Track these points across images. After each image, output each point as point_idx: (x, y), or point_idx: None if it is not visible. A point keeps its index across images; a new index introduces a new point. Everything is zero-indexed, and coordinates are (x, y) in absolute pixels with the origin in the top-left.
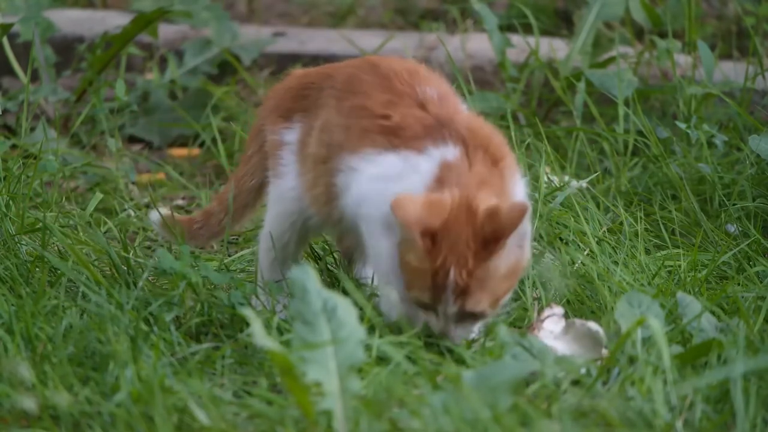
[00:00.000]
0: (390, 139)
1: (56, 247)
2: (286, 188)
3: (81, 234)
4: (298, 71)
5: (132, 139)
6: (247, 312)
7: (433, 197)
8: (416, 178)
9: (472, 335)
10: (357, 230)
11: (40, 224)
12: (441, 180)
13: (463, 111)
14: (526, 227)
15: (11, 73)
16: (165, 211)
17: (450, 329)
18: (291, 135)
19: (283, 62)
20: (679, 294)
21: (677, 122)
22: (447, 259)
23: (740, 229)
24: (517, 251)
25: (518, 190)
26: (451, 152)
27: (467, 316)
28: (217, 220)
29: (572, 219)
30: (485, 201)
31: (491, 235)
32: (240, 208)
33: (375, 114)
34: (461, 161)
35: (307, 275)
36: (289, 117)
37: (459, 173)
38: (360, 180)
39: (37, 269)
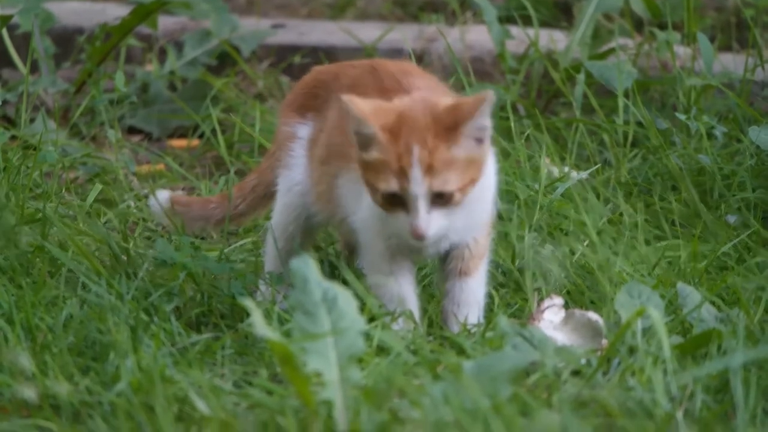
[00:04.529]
0: None
1: (56, 238)
2: (293, 182)
3: (81, 225)
4: (318, 67)
5: (131, 130)
6: (247, 302)
7: (380, 102)
8: None
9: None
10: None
11: (40, 215)
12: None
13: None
14: (484, 122)
15: (11, 64)
16: (166, 195)
17: (422, 218)
18: (303, 130)
19: (282, 54)
20: (679, 284)
21: (677, 113)
22: (409, 140)
23: (740, 219)
24: (474, 144)
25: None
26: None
27: (437, 200)
28: (234, 205)
29: (572, 210)
30: (443, 101)
31: (451, 123)
32: (258, 198)
33: None
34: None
35: (307, 265)
36: (304, 113)
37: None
38: (363, 203)
39: (38, 260)
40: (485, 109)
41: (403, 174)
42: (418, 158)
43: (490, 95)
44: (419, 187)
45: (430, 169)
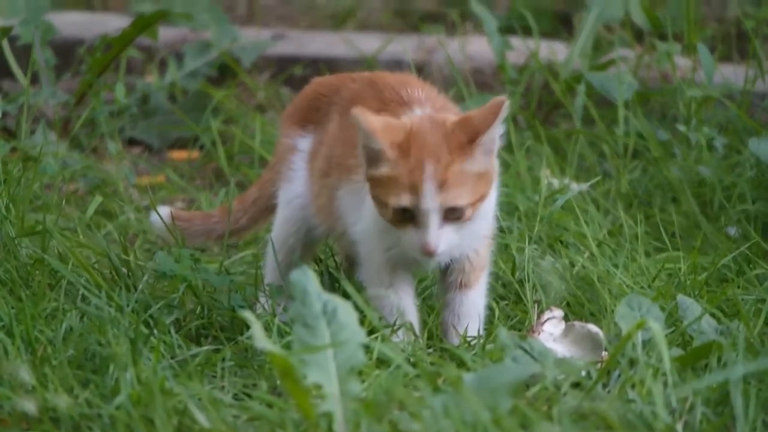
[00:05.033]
0: None
1: (56, 250)
2: (293, 194)
3: (81, 237)
4: (318, 79)
5: (132, 142)
6: (247, 314)
7: (390, 119)
8: None
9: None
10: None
11: (40, 227)
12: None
13: (450, 108)
14: (497, 132)
15: (11, 75)
16: (167, 211)
17: (433, 234)
18: (304, 143)
19: (282, 65)
20: (680, 297)
21: (677, 125)
22: (421, 156)
23: (740, 231)
24: (486, 158)
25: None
26: (417, 113)
27: (448, 215)
28: (235, 219)
29: (572, 222)
30: (450, 118)
31: (465, 137)
32: (260, 211)
33: None
34: (429, 113)
35: (307, 277)
36: (305, 126)
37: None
38: (363, 214)
39: (37, 272)
40: (501, 116)
41: (414, 189)
42: (430, 173)
43: (504, 101)
44: (432, 202)
45: (443, 184)
